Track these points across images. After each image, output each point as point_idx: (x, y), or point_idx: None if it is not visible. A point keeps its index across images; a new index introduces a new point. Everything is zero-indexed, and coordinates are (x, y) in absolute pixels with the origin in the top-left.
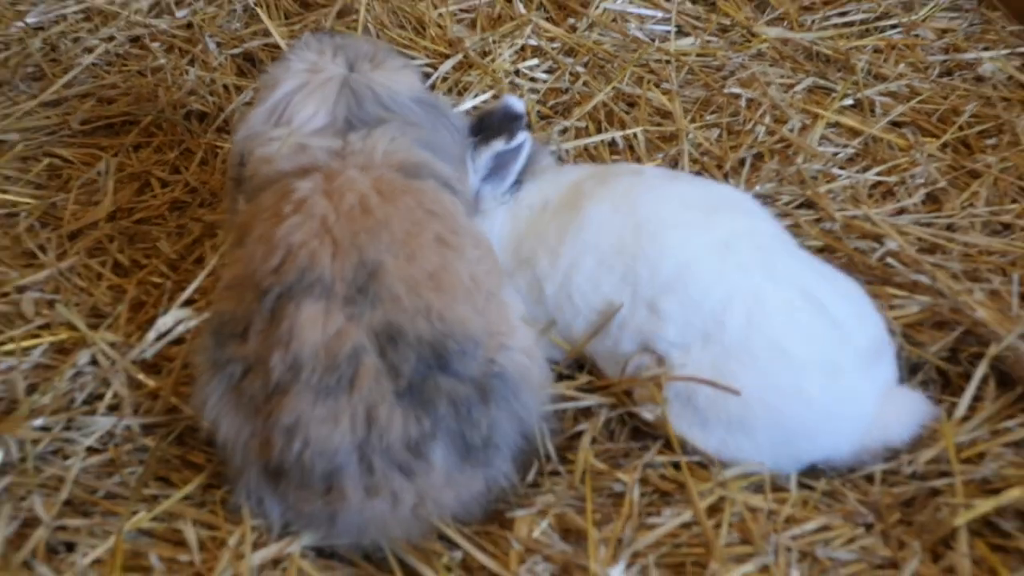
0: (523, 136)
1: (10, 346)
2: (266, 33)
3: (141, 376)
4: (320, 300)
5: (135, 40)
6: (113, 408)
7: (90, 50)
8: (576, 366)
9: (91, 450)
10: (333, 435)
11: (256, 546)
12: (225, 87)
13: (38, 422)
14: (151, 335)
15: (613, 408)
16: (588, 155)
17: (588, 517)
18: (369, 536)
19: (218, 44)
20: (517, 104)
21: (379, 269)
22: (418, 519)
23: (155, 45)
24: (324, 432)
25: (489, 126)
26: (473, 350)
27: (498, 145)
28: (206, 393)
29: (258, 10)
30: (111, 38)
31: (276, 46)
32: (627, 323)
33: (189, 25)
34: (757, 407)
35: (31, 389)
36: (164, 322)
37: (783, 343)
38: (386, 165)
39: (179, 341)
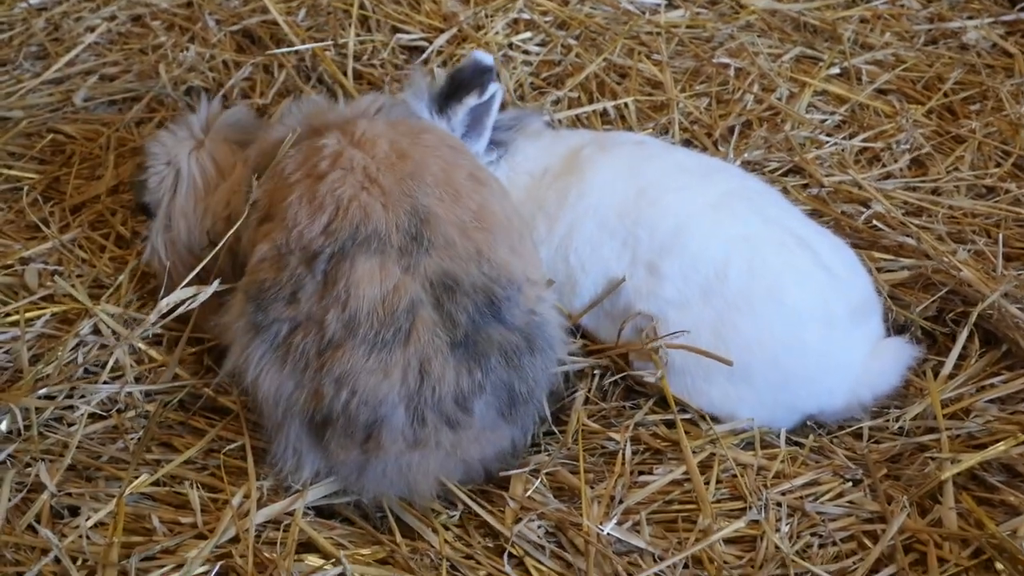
0: (494, 87)
1: (14, 317)
2: (264, 10)
3: (142, 346)
4: (376, 255)
5: (136, 19)
6: (116, 377)
7: (92, 29)
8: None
9: (94, 417)
10: (381, 386)
11: (259, 505)
12: (224, 63)
13: (42, 391)
14: (153, 316)
15: (607, 370)
16: (581, 125)
17: (581, 475)
18: (391, 490)
19: (217, 21)
20: (485, 58)
21: (430, 215)
22: (432, 472)
23: (156, 23)
24: (373, 382)
25: (460, 82)
26: (516, 296)
27: (471, 100)
28: (247, 354)
29: None
30: (112, 17)
31: (274, 23)
32: (624, 285)
33: (189, 3)
34: (758, 354)
35: (35, 359)
36: (167, 301)
37: (782, 288)
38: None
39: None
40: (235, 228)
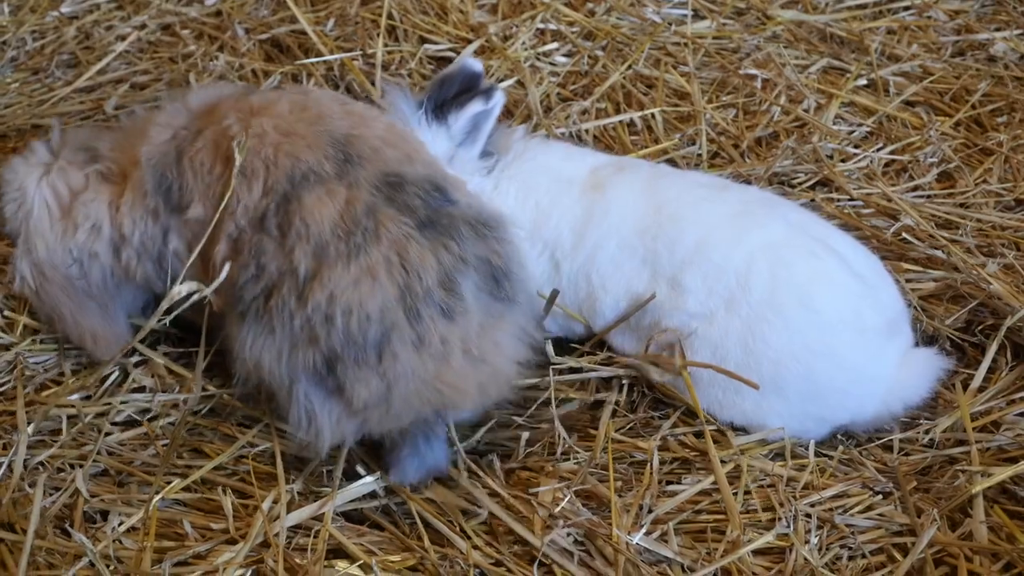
0: (500, 95)
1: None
2: (293, 20)
3: (161, 360)
4: (317, 185)
5: (166, 27)
6: (137, 389)
7: (123, 38)
8: (597, 344)
9: (125, 424)
10: (373, 292)
11: (288, 509)
12: (253, 72)
13: (74, 396)
14: (164, 303)
15: (635, 382)
16: (607, 136)
17: (611, 485)
18: (423, 409)
19: (246, 31)
20: (475, 64)
21: (350, 137)
22: (469, 381)
23: (185, 32)
24: (363, 292)
25: (451, 89)
26: (453, 188)
27: (476, 107)
28: (241, 342)
29: None
30: (143, 26)
31: (303, 32)
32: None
33: (218, 13)
34: (789, 365)
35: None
36: (179, 289)
37: (813, 296)
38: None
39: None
40: (207, 233)
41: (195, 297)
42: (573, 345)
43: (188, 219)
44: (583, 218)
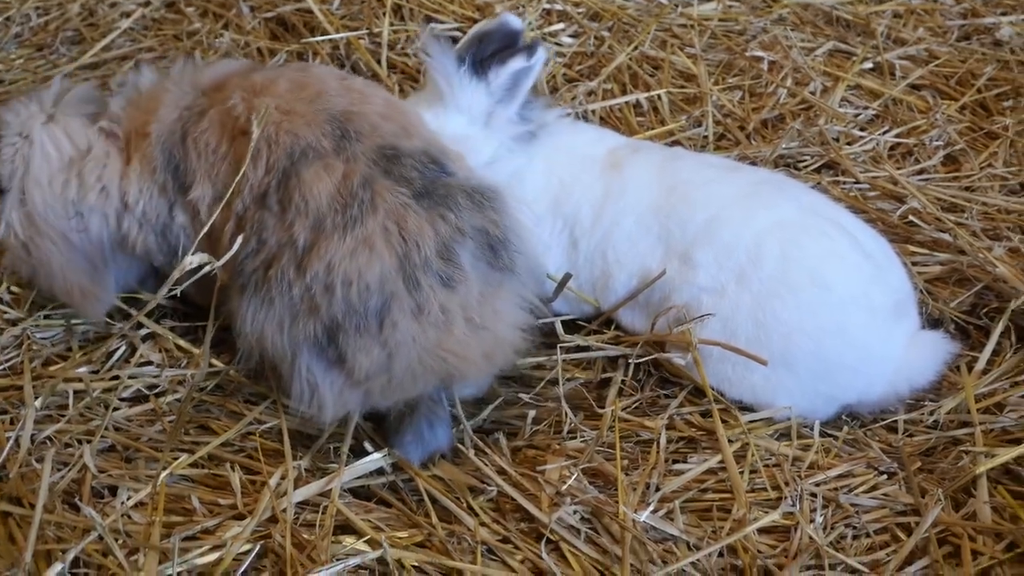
0: (543, 53)
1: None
2: None
3: (168, 334)
4: (315, 160)
5: (170, 5)
6: (144, 364)
7: (127, 14)
8: (603, 323)
9: (133, 400)
10: (371, 262)
11: (296, 486)
12: (259, 50)
13: (81, 370)
14: (175, 274)
15: (642, 360)
16: (614, 116)
17: (618, 463)
18: (428, 378)
19: (252, 9)
20: (514, 20)
21: (347, 113)
22: (472, 349)
23: (190, 10)
24: (362, 261)
25: (489, 46)
26: (450, 160)
27: (517, 63)
28: (242, 316)
29: None
30: (147, 3)
31: (308, 11)
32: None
33: None
34: (799, 341)
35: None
36: (190, 260)
37: (824, 274)
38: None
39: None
40: (221, 205)
41: (205, 269)
42: (580, 323)
43: (191, 199)
44: (601, 196)
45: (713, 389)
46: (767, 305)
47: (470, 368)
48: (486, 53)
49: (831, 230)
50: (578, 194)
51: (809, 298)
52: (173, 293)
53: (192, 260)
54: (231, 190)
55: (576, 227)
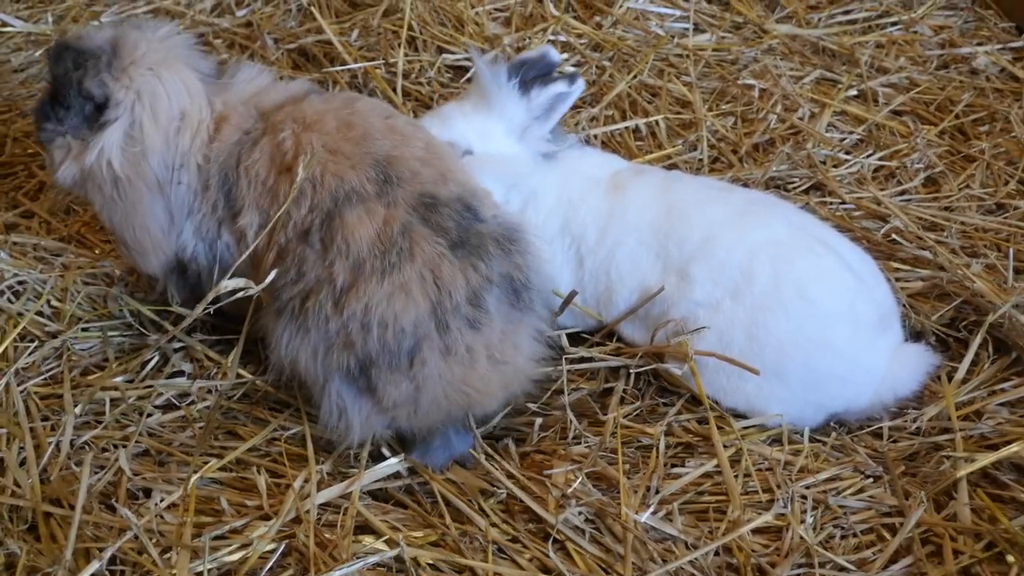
0: (581, 84)
1: (95, 332)
2: (319, 30)
3: (198, 346)
4: (358, 204)
5: (199, 37)
6: (176, 373)
7: None
8: (606, 336)
9: (165, 407)
10: (407, 307)
11: (318, 488)
12: (282, 79)
13: (118, 379)
14: (210, 294)
15: (641, 371)
16: (614, 141)
17: (620, 467)
18: (451, 409)
19: (275, 40)
20: (555, 53)
21: (390, 158)
22: (494, 383)
23: (217, 41)
24: (398, 306)
25: (531, 72)
26: (482, 205)
27: (559, 87)
28: (277, 337)
29: (312, 9)
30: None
31: (328, 42)
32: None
33: (249, 23)
34: (790, 353)
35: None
36: (228, 284)
37: (810, 289)
38: (290, 94)
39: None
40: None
41: (240, 294)
42: (584, 335)
43: (239, 225)
44: (606, 216)
45: (709, 398)
46: (759, 319)
47: (490, 400)
48: (528, 76)
49: (819, 248)
50: (584, 214)
51: (798, 312)
52: (207, 310)
53: (229, 284)
54: (272, 225)
55: (582, 245)
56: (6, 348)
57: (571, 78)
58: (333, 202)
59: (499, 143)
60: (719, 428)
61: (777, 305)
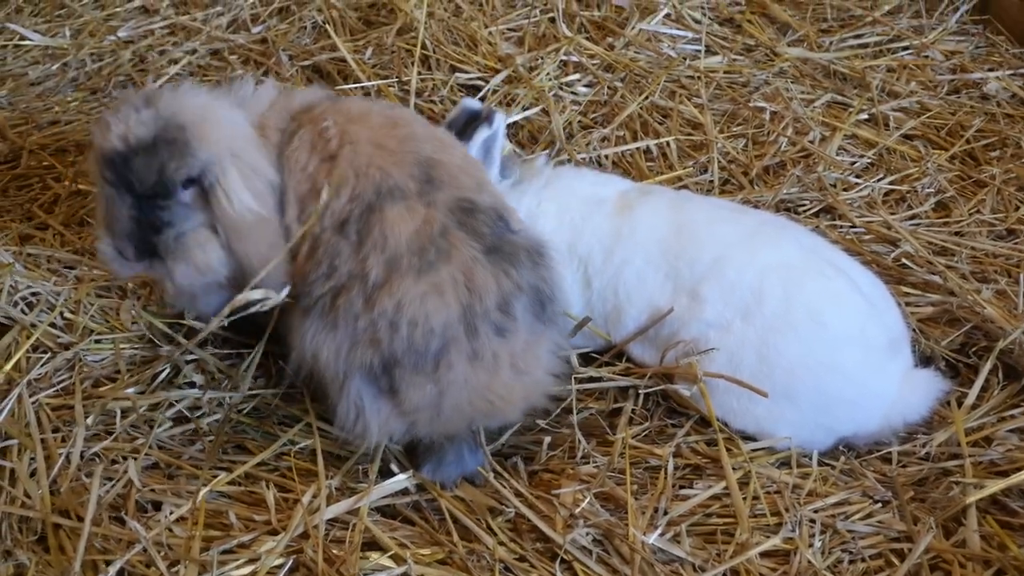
0: (500, 118)
1: (108, 345)
2: (333, 48)
3: (210, 359)
4: (400, 201)
5: (215, 53)
6: (189, 383)
7: (175, 62)
8: (615, 356)
9: (175, 420)
10: (439, 308)
11: (327, 502)
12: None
13: (130, 390)
14: (227, 309)
15: (650, 391)
16: (625, 162)
17: (628, 488)
18: (473, 416)
19: (290, 57)
20: (473, 103)
21: (433, 161)
22: (516, 393)
23: (233, 58)
24: (430, 306)
25: (456, 128)
26: (512, 218)
27: (483, 133)
28: (301, 335)
29: (327, 27)
30: (194, 51)
31: (343, 59)
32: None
33: (264, 40)
34: (801, 376)
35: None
36: (250, 296)
37: (821, 312)
38: (314, 97)
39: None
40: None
41: (269, 304)
42: (594, 355)
43: (285, 220)
44: (612, 236)
45: (718, 419)
46: (770, 341)
47: (511, 409)
48: (458, 134)
49: (830, 271)
50: (589, 235)
51: (809, 335)
52: (224, 321)
53: (253, 294)
54: (309, 222)
55: (589, 266)
56: (19, 359)
57: (488, 119)
58: (376, 194)
59: None
60: (728, 450)
61: (788, 327)
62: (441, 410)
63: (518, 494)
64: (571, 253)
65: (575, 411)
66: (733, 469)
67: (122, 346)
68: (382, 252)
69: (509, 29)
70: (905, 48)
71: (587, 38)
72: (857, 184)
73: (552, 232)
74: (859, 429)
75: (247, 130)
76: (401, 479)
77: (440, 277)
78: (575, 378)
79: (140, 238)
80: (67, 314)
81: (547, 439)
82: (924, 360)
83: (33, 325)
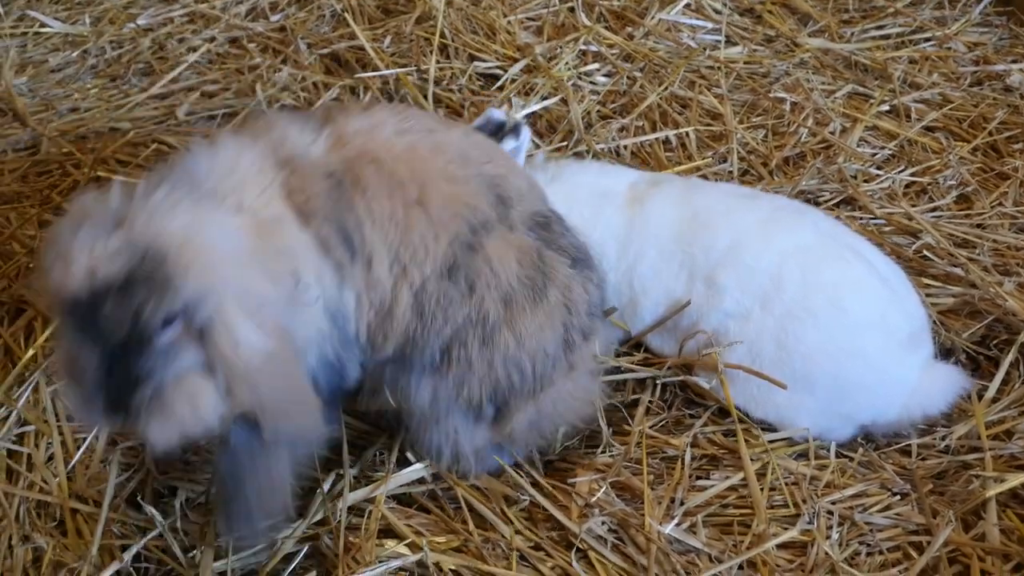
0: (527, 132)
1: None
2: (352, 36)
3: None
4: (491, 231)
5: (234, 41)
6: None
7: (194, 49)
8: (633, 346)
9: None
10: (552, 335)
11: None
12: (315, 84)
13: None
14: None
15: (668, 382)
16: (644, 152)
17: (644, 478)
18: (559, 424)
19: (308, 45)
20: (499, 114)
21: (497, 179)
22: (594, 391)
23: (252, 46)
24: (546, 334)
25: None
26: (561, 216)
27: (509, 144)
28: (401, 387)
29: (345, 15)
30: (212, 39)
31: (361, 48)
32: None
33: (282, 28)
34: (820, 363)
35: None
36: None
37: (841, 298)
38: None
39: None
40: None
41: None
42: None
43: (373, 274)
44: (625, 229)
45: (738, 409)
46: (789, 328)
47: (587, 410)
48: None
49: (849, 255)
50: (602, 229)
51: (828, 321)
52: None
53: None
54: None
55: (603, 261)
56: (37, 347)
57: (515, 130)
58: (471, 232)
59: None
60: (746, 441)
61: (807, 314)
62: (539, 426)
63: (534, 483)
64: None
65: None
66: (751, 460)
67: None
68: (496, 290)
69: (528, 18)
70: (927, 39)
71: (606, 27)
72: (878, 176)
73: None
74: (878, 417)
75: (243, 242)
76: (418, 468)
77: (549, 303)
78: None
79: (111, 393)
80: None
81: (562, 428)
82: (944, 352)
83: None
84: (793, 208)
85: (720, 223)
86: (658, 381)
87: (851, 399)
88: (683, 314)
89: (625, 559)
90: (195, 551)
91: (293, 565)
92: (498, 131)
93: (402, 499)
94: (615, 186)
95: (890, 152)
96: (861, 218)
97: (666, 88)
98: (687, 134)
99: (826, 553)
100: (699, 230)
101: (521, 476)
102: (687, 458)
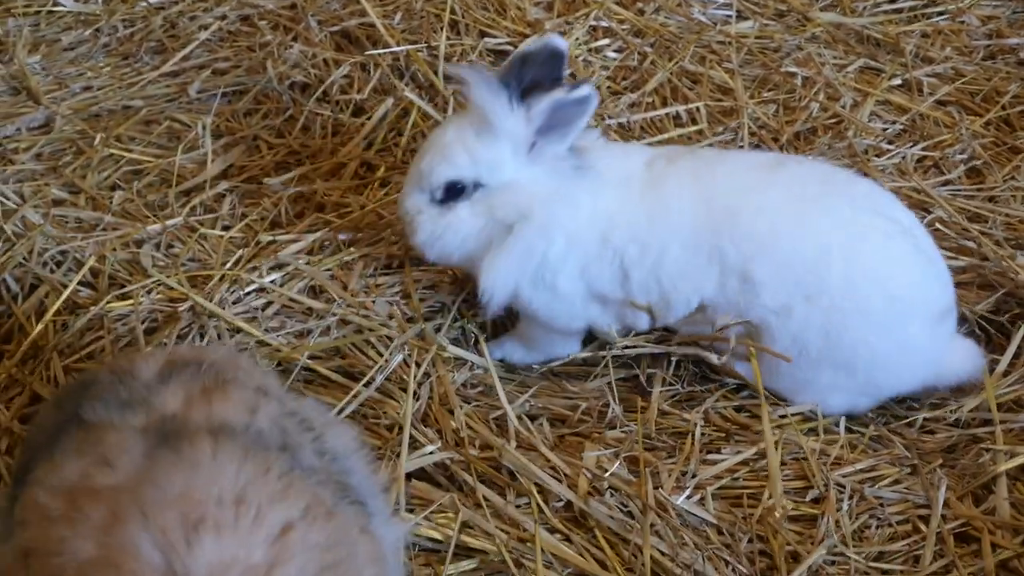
0: (586, 90)
1: (130, 301)
2: (363, 13)
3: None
4: None
5: (245, 19)
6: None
7: (205, 27)
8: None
9: None
10: None
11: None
12: (325, 61)
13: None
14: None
15: (682, 359)
16: (655, 127)
17: (640, 451)
18: None
19: (319, 22)
20: (559, 41)
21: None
22: None
23: (262, 23)
24: None
25: (532, 68)
26: None
27: (558, 95)
28: None
29: None
30: (224, 17)
31: (372, 25)
32: (718, 302)
33: (293, 5)
34: (867, 348)
35: (150, 331)
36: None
37: (887, 286)
38: None
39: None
40: None
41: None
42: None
43: None
44: (645, 223)
45: (767, 389)
46: (836, 319)
47: None
48: (527, 77)
49: (888, 227)
50: (624, 224)
51: (877, 310)
52: None
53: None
54: None
55: (625, 258)
56: (47, 322)
57: (576, 86)
58: None
59: (511, 170)
60: (754, 416)
61: (854, 305)
62: None
63: (547, 461)
64: (604, 244)
65: (612, 376)
66: (759, 434)
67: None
68: None
69: None
70: (940, 13)
71: (617, 3)
72: (889, 150)
73: (587, 223)
74: (903, 390)
75: None
76: (431, 449)
77: None
78: (609, 346)
79: None
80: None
81: (579, 404)
82: (959, 321)
83: (63, 285)
84: (821, 179)
85: (745, 206)
86: (672, 358)
87: (890, 377)
88: (717, 311)
89: (634, 531)
90: None
91: None
92: (555, 64)
93: (419, 476)
94: (632, 169)
95: (901, 127)
96: None
97: (677, 63)
98: (698, 109)
99: (836, 524)
100: (724, 218)
101: (532, 450)
102: (698, 432)
